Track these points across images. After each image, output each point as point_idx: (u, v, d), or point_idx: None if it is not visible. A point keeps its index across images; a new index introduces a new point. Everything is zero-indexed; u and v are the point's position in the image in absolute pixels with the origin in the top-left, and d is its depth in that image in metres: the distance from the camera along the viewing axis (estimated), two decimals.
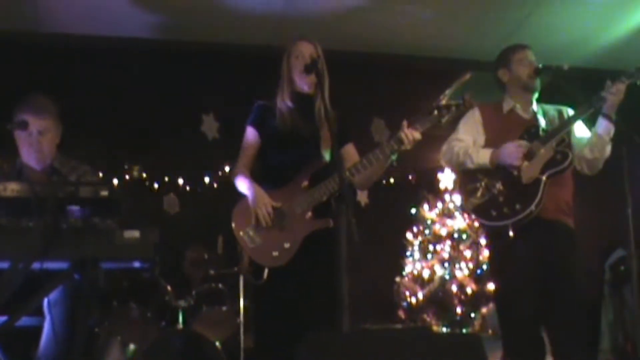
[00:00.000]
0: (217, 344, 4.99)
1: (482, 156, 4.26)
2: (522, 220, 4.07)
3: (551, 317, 4.14)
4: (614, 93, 4.05)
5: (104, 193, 2.96)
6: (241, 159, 4.05)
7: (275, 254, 3.78)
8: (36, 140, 3.96)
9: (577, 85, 4.01)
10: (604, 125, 4.15)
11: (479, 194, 4.22)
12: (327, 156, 3.94)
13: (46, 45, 6.51)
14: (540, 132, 4.21)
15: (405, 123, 3.72)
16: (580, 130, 4.31)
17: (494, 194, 4.18)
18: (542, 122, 4.28)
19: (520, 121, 4.33)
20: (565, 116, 4.30)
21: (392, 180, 7.08)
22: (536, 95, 4.38)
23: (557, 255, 4.14)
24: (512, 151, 4.16)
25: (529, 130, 4.24)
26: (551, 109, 4.39)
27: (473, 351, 3.00)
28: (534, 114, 4.35)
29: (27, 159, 4.02)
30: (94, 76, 6.46)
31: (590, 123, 4.27)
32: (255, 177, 3.97)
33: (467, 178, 4.33)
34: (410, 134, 3.69)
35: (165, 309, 5.25)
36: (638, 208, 3.76)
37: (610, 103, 4.08)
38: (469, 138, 4.39)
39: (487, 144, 4.34)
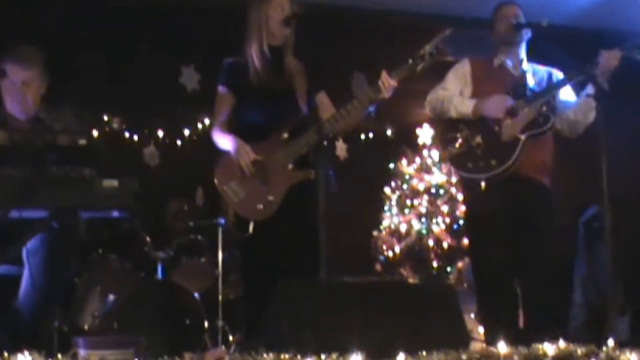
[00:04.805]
0: (196, 295, 5.03)
1: (466, 105, 4.29)
2: (497, 177, 4.13)
3: (523, 270, 4.22)
4: (606, 63, 4.04)
5: (82, 142, 2.96)
6: (217, 118, 4.04)
7: (259, 207, 3.81)
8: (20, 91, 3.82)
9: (555, 43, 4.02)
10: (591, 91, 4.15)
11: (457, 144, 4.26)
12: (304, 108, 3.95)
13: None
14: (527, 92, 4.23)
15: (383, 72, 3.76)
16: (566, 93, 4.32)
17: (472, 146, 4.22)
18: (531, 82, 4.30)
19: (509, 77, 4.35)
20: (554, 79, 4.33)
21: (370, 135, 7.10)
22: (523, 51, 4.39)
23: (529, 211, 4.20)
24: (498, 103, 4.19)
25: (516, 87, 4.26)
26: (541, 70, 4.40)
27: (447, 301, 3.07)
28: (524, 72, 4.36)
29: (11, 108, 3.88)
30: (71, 27, 6.37)
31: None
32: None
33: (447, 127, 4.37)
34: (387, 81, 3.74)
35: (144, 260, 5.28)
36: (612, 165, 3.79)
37: (601, 71, 4.06)
38: (456, 88, 4.41)
39: (473, 97, 4.36)
